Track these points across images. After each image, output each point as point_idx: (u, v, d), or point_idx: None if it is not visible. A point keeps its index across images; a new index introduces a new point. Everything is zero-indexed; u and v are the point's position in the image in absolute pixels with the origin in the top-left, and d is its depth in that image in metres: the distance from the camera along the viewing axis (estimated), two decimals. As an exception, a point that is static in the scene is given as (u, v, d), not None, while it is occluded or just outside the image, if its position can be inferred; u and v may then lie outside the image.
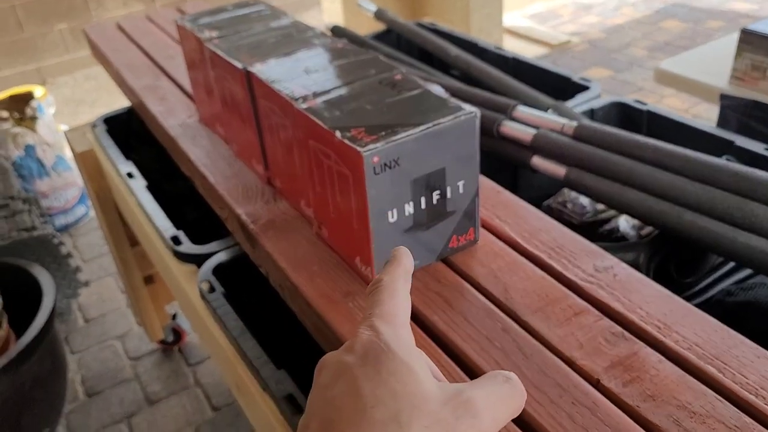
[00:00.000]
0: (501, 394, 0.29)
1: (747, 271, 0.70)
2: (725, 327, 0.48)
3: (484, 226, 0.61)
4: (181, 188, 1.13)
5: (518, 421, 0.43)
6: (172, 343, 1.61)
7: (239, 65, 0.66)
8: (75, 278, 1.67)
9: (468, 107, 0.52)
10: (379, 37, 1.33)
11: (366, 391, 0.26)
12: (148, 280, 1.42)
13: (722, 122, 0.98)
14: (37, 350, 1.18)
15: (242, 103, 0.69)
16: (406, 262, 0.36)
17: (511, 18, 3.41)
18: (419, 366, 0.28)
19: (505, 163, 0.84)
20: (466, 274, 0.56)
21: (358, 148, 0.48)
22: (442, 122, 0.51)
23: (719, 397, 0.42)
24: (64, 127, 2.31)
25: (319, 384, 0.29)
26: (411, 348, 0.30)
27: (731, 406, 0.42)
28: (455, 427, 0.26)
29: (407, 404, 0.26)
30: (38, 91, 2.16)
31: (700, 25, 3.23)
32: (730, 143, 0.80)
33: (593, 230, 0.81)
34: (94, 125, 1.16)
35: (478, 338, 0.49)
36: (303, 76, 0.62)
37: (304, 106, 0.55)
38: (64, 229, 2.11)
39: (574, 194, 0.84)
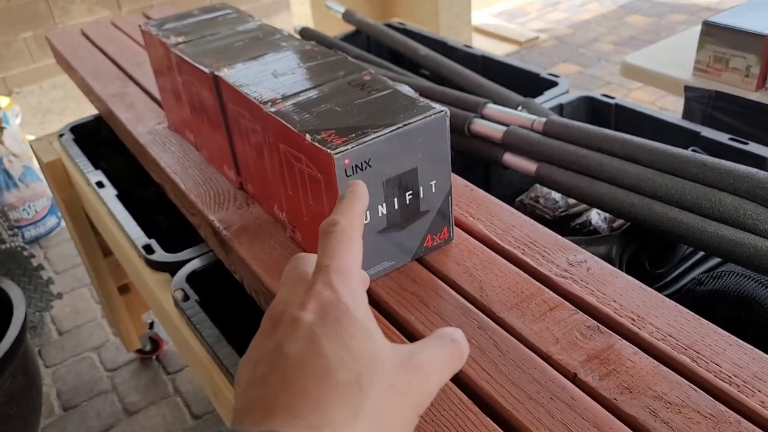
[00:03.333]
0: (446, 356, 0.31)
1: (716, 260, 0.72)
2: (697, 316, 0.48)
3: (458, 225, 0.61)
4: (153, 196, 1.12)
5: (498, 418, 0.43)
6: (150, 352, 1.59)
7: (207, 70, 0.65)
8: (47, 290, 1.64)
9: (438, 106, 0.52)
10: (349, 38, 1.33)
11: (329, 352, 0.27)
12: (123, 289, 1.40)
13: (687, 114, 0.99)
14: (10, 366, 1.15)
15: (211, 108, 0.68)
16: (363, 201, 0.35)
17: (479, 16, 3.43)
18: (374, 328, 0.30)
19: (477, 161, 0.85)
20: (442, 273, 0.56)
21: (329, 151, 0.48)
22: (413, 122, 0.51)
23: (694, 386, 0.43)
24: (31, 138, 2.27)
25: (273, 337, 0.29)
26: (366, 308, 0.30)
27: (706, 394, 0.42)
28: (409, 390, 0.29)
29: (368, 367, 0.27)
30: (3, 101, 2.11)
31: (663, 19, 3.28)
32: (696, 134, 0.82)
33: (566, 224, 0.82)
34: (61, 134, 1.14)
35: (455, 337, 0.49)
36: (271, 80, 0.61)
37: (273, 109, 0.55)
38: (35, 240, 2.07)
39: (546, 189, 0.85)
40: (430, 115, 0.51)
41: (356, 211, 0.34)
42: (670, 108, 2.43)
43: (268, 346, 0.29)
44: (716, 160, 0.63)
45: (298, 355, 0.27)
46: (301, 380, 0.26)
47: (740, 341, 0.46)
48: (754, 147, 0.77)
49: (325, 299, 0.29)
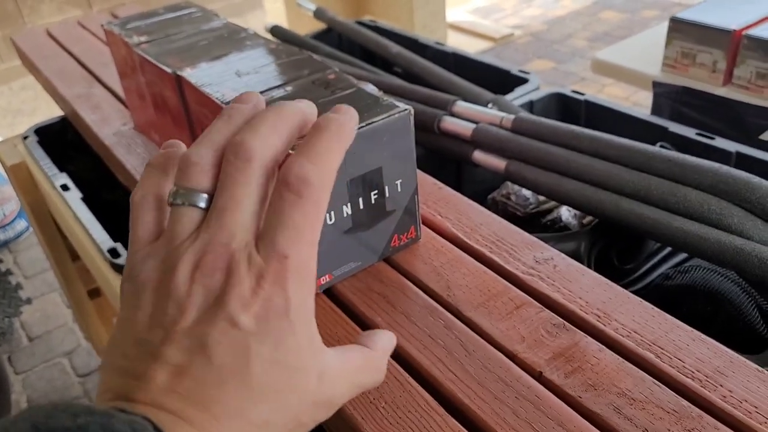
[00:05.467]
0: (360, 374, 0.30)
1: (684, 255, 0.72)
2: (662, 312, 0.48)
3: (425, 223, 0.61)
4: (121, 198, 1.10)
5: (463, 419, 0.43)
6: (123, 356, 1.57)
7: (169, 70, 0.64)
8: (16, 295, 1.61)
9: (401, 105, 0.52)
10: (320, 36, 1.32)
11: (254, 382, 0.24)
12: (94, 293, 1.37)
13: (656, 109, 1.00)
14: (-23, 374, 1.13)
15: (174, 108, 0.67)
16: (345, 142, 0.28)
17: (454, 13, 3.43)
18: (311, 360, 0.26)
19: (448, 158, 0.84)
20: (409, 272, 0.55)
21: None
22: (376, 121, 0.50)
23: (657, 382, 0.43)
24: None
25: (194, 315, 0.24)
26: (311, 323, 0.26)
27: (669, 390, 0.42)
28: (316, 420, 0.27)
29: (283, 410, 0.25)
30: (-31, 102, 2.07)
31: (636, 15, 3.31)
32: (664, 130, 0.82)
33: (537, 221, 0.82)
34: (25, 136, 1.12)
35: (420, 337, 0.48)
36: (235, 79, 0.60)
37: (235, 109, 0.54)
38: (4, 245, 2.03)
39: (517, 186, 0.85)
40: (394, 114, 0.51)
41: (334, 161, 0.27)
42: (643, 103, 2.45)
43: (183, 325, 0.24)
44: (681, 156, 0.63)
45: (224, 369, 0.24)
46: (216, 402, 0.24)
47: (703, 336, 0.46)
48: (720, 142, 0.78)
49: (274, 308, 0.25)
